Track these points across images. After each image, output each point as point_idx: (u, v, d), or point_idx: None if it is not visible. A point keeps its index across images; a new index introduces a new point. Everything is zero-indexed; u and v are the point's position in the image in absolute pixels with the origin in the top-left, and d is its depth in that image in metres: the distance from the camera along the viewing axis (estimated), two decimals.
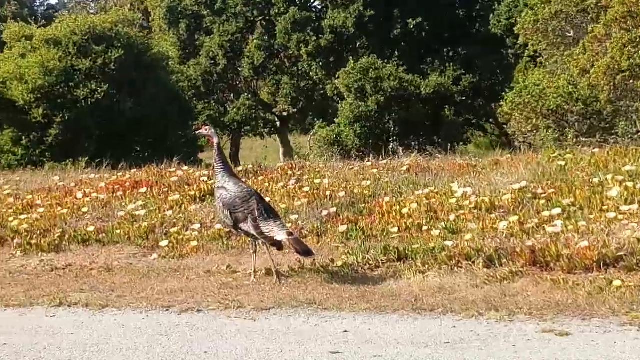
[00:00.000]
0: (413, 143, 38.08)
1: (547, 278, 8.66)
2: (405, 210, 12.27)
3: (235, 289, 9.27)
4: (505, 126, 43.10)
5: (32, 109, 29.83)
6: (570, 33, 25.14)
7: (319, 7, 44.72)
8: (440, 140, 38.62)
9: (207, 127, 10.86)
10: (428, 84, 38.41)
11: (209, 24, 46.86)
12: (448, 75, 39.41)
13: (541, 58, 28.16)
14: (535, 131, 23.42)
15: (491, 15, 39.52)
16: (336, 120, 39.37)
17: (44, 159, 28.65)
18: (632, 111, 22.13)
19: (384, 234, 11.52)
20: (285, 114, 49.38)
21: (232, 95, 48.83)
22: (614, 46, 21.64)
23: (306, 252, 9.59)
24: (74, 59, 30.38)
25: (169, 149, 28.70)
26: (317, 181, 14.58)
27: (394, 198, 13.04)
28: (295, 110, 48.52)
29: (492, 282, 8.75)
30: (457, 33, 42.12)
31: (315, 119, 44.41)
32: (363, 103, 37.52)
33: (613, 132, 22.84)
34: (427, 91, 38.22)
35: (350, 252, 10.19)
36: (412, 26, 40.98)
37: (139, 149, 30.84)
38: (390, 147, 36.80)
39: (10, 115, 30.10)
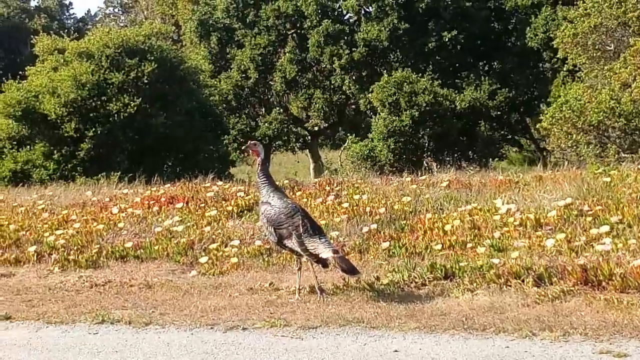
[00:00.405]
0: (447, 158, 37.88)
1: (600, 297, 8.43)
2: (448, 227, 12.12)
3: (279, 307, 9.10)
4: (542, 141, 42.91)
5: (64, 123, 29.76)
6: (610, 46, 24.85)
7: (352, 20, 44.43)
8: (475, 155, 38.42)
9: (254, 142, 10.70)
10: (463, 98, 38.16)
11: (240, 37, 46.81)
12: (483, 89, 39.13)
13: (580, 72, 27.82)
14: (575, 147, 23.10)
15: (527, 29, 39.15)
16: (369, 135, 39.14)
17: (76, 174, 28.57)
18: None
19: (428, 251, 11.37)
20: (316, 128, 49.25)
21: (263, 109, 48.75)
22: None
23: (352, 271, 9.40)
24: (106, 72, 30.27)
25: (201, 164, 28.55)
26: (356, 197, 14.46)
27: (436, 215, 12.88)
28: (326, 124, 48.39)
29: (544, 301, 8.53)
30: (492, 46, 41.83)
31: (347, 134, 44.08)
32: (397, 118, 37.29)
33: None
34: (462, 106, 37.98)
35: (396, 269, 9.98)
36: (447, 39, 40.71)
37: (170, 163, 30.66)
38: (425, 162, 36.68)
39: (42, 130, 30.02)
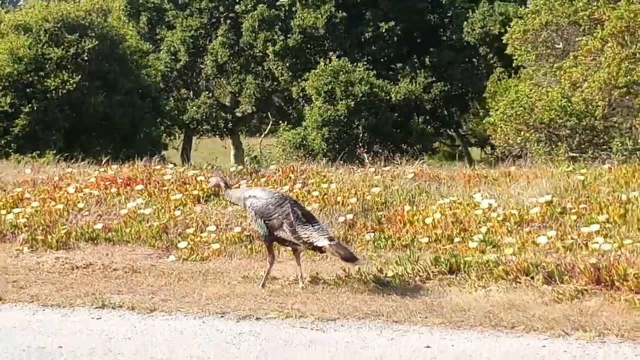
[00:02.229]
0: (380, 150, 37.81)
1: (620, 298, 8.32)
2: (428, 220, 11.97)
3: (287, 297, 8.83)
4: (472, 138, 43.22)
5: None
6: (559, 45, 24.96)
7: (288, 6, 44.00)
8: (408, 148, 38.38)
9: (214, 181, 10.45)
10: (398, 90, 38.18)
11: (171, 18, 46.24)
12: (419, 82, 39.16)
13: (527, 69, 27.94)
14: (524, 144, 23.16)
15: (465, 23, 39.28)
16: (303, 124, 38.90)
17: (9, 150, 27.78)
18: (627, 127, 21.97)
19: (414, 244, 11.21)
20: (239, 114, 48.82)
21: (191, 93, 48.19)
22: (610, 61, 21.45)
23: (351, 259, 9.15)
24: (44, 47, 29.49)
25: (137, 146, 28.03)
26: (324, 186, 14.23)
27: (414, 207, 12.72)
28: (251, 111, 47.98)
29: (563, 300, 8.38)
30: (428, 39, 41.88)
31: (275, 121, 43.79)
32: (332, 107, 37.10)
33: (605, 147, 22.69)
34: (397, 98, 38.00)
35: (398, 262, 9.77)
36: (383, 30, 40.58)
37: (106, 144, 29.97)
38: (357, 153, 36.55)
39: None
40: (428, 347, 7.22)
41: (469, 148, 46.69)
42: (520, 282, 9.06)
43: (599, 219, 11.24)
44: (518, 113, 23.25)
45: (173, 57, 45.12)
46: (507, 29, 30.49)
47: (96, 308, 8.55)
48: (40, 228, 12.52)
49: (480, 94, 39.67)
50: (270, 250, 9.53)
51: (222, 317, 8.20)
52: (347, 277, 9.45)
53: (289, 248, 9.81)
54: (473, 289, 8.87)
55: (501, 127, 24.37)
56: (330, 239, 9.23)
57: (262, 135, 50.46)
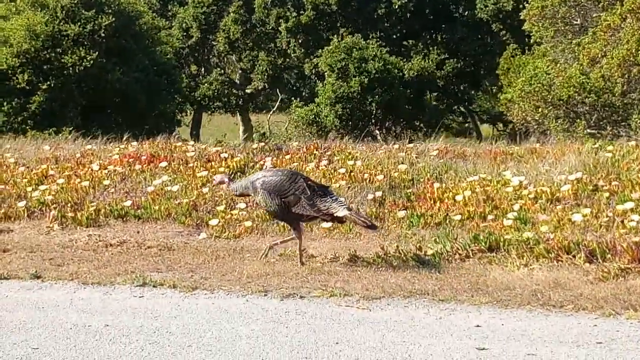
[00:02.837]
0: (393, 127, 37.74)
1: None
2: (459, 198, 11.91)
3: (328, 275, 8.79)
4: (486, 115, 43.05)
5: (16, 74, 28.78)
6: (577, 21, 24.77)
7: None
8: (421, 125, 38.31)
9: (216, 179, 10.38)
10: (411, 67, 38.00)
11: None
12: (432, 59, 38.96)
13: (542, 46, 27.74)
14: (542, 121, 23.04)
15: (477, 0, 39.05)
16: (316, 100, 38.76)
17: (26, 127, 27.72)
18: None
19: (446, 221, 11.17)
20: (248, 91, 48.66)
21: (202, 69, 48.04)
22: (629, 37, 21.31)
23: (372, 226, 9.32)
24: (61, 23, 29.32)
25: (152, 123, 27.95)
26: (349, 163, 14.20)
27: (443, 184, 12.67)
28: (264, 88, 47.79)
29: (608, 279, 8.32)
30: (441, 16, 41.63)
31: (287, 98, 43.60)
32: (345, 83, 36.92)
33: (623, 124, 22.57)
34: (410, 74, 37.79)
35: (437, 240, 9.71)
36: (396, 6, 40.37)
37: (121, 120, 29.88)
38: (370, 129, 36.46)
39: None
40: (478, 326, 7.16)
41: (479, 125, 46.63)
42: (561, 261, 9.01)
43: (632, 196, 11.16)
44: (536, 90, 23.09)
45: (185, 33, 44.94)
46: (521, 5, 30.37)
47: (137, 286, 8.52)
48: (69, 205, 12.50)
49: (492, 70, 39.51)
50: (297, 226, 9.45)
51: (265, 295, 8.16)
52: (385, 255, 9.40)
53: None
54: (515, 267, 8.82)
55: (518, 103, 24.24)
56: (349, 208, 9.38)
57: (271, 112, 50.33)
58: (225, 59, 48.21)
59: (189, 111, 45.72)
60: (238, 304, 7.93)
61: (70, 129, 24.97)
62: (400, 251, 9.49)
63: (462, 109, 43.30)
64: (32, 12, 29.52)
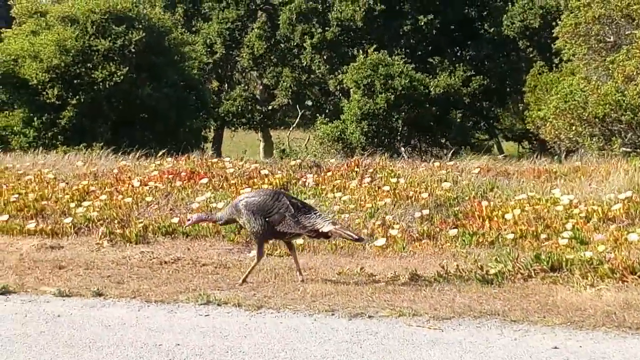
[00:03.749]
0: (419, 144, 37.67)
1: None
2: (509, 216, 11.83)
3: (392, 294, 8.70)
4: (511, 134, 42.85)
5: (46, 89, 28.79)
6: (610, 38, 24.68)
7: None
8: (447, 142, 38.18)
9: (189, 220, 10.21)
10: (438, 84, 37.84)
11: (207, 10, 46.03)
12: (457, 75, 38.84)
13: (569, 63, 27.65)
14: (575, 139, 22.93)
15: (504, 17, 38.95)
16: (341, 117, 38.68)
17: (56, 142, 27.75)
18: None
19: (498, 240, 11.10)
20: (275, 107, 48.65)
21: (225, 85, 48.05)
22: None
23: (359, 239, 9.65)
24: (91, 38, 29.34)
25: (181, 138, 27.92)
26: (392, 180, 14.16)
27: (491, 202, 12.60)
28: (288, 104, 47.73)
29: None
30: (467, 32, 41.53)
31: (316, 114, 43.47)
32: (371, 100, 36.83)
33: None
34: (436, 91, 37.65)
35: (498, 259, 9.61)
36: (422, 23, 40.29)
37: (151, 136, 29.84)
38: (396, 146, 36.39)
39: (21, 95, 28.98)
40: (556, 348, 7.06)
41: (501, 142, 46.47)
42: (627, 281, 8.91)
43: None
44: (571, 107, 22.99)
45: (209, 49, 44.94)
46: (551, 22, 30.24)
47: (201, 304, 8.44)
48: (115, 222, 12.47)
49: (519, 88, 39.43)
50: (262, 246, 9.48)
51: (332, 314, 8.07)
52: (446, 274, 9.32)
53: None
54: (582, 288, 8.70)
55: (551, 121, 24.14)
56: (334, 223, 9.49)
57: (290, 128, 50.30)
58: (249, 75, 48.24)
59: (211, 127, 45.70)
60: (306, 323, 7.85)
61: (101, 144, 25.03)
62: (461, 270, 9.39)
63: (487, 126, 43.09)
64: (62, 27, 29.52)
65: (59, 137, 28.18)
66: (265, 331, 7.62)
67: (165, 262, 10.53)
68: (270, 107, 47.61)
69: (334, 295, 8.63)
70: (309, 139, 46.71)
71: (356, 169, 15.39)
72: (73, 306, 8.51)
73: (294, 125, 50.35)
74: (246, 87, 46.52)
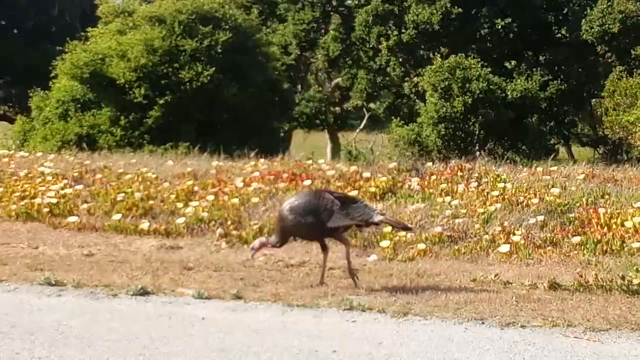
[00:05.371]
0: (496, 148, 37.29)
1: None
2: (628, 224, 11.64)
3: (538, 303, 8.55)
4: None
5: (132, 88, 28.92)
6: None
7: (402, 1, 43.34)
8: (523, 147, 37.80)
9: (253, 248, 9.79)
10: (514, 88, 37.42)
11: (282, 12, 46.04)
12: (535, 80, 38.39)
13: None
14: None
15: (583, 21, 38.42)
16: (418, 120, 38.48)
17: (143, 141, 27.90)
18: None
19: (623, 248, 10.94)
20: (345, 109, 48.56)
21: (300, 87, 48.04)
22: None
23: (406, 228, 9.95)
24: (178, 38, 29.40)
25: (264, 139, 27.91)
26: (499, 185, 14.02)
27: (609, 209, 12.42)
28: (363, 106, 47.58)
29: None
30: (544, 37, 41.02)
31: (392, 117, 43.26)
32: (448, 103, 36.57)
33: None
34: (513, 95, 37.26)
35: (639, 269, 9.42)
36: (499, 26, 39.90)
37: (234, 136, 29.81)
38: (475, 150, 36.06)
39: (109, 94, 29.12)
40: None
41: (572, 147, 45.88)
42: None
43: None
44: None
45: (283, 50, 44.90)
46: (626, 27, 29.68)
47: (345, 310, 8.36)
48: (228, 222, 12.47)
49: (596, 93, 38.93)
50: (326, 245, 9.44)
51: (482, 323, 7.93)
52: (586, 284, 9.15)
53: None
54: None
55: None
56: (382, 213, 9.58)
57: (357, 130, 50.19)
58: (322, 77, 48.22)
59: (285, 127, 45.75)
60: (458, 332, 7.72)
61: (187, 144, 25.13)
62: (599, 279, 9.22)
63: (564, 130, 42.53)
64: (150, 26, 29.62)
65: (145, 136, 28.29)
66: (418, 339, 7.50)
67: (292, 265, 10.51)
68: (345, 108, 47.51)
69: (477, 303, 8.50)
70: (374, 141, 46.63)
71: (459, 173, 15.25)
72: (215, 309, 8.47)
73: (360, 127, 50.23)
74: (320, 88, 46.43)
